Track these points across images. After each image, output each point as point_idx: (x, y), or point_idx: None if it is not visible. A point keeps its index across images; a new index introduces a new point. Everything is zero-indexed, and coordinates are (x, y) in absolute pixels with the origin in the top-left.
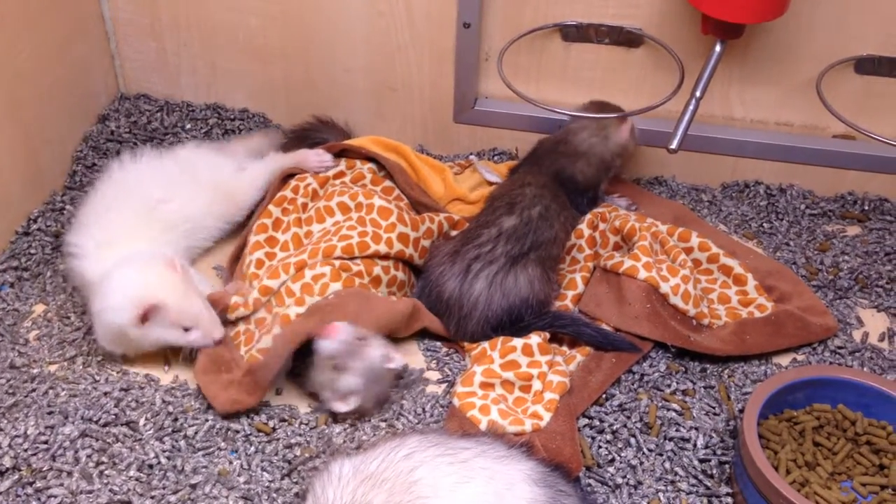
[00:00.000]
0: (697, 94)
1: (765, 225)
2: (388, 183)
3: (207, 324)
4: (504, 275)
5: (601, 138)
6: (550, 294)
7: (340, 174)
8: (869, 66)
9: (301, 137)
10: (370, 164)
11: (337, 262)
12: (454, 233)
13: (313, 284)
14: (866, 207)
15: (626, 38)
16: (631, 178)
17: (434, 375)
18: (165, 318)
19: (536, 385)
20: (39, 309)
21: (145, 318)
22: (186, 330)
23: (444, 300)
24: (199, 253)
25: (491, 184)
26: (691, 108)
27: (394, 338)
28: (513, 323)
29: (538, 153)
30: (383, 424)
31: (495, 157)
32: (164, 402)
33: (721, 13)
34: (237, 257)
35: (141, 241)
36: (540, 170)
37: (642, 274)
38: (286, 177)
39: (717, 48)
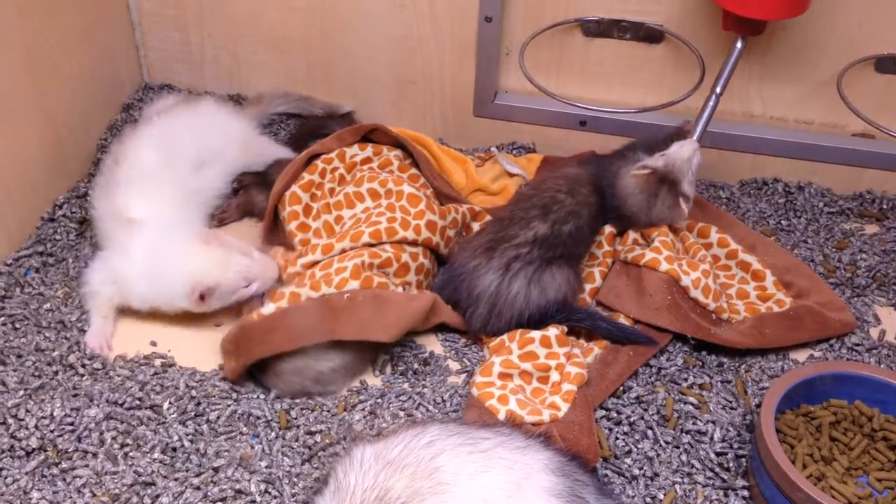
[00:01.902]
0: (718, 90)
1: (783, 222)
2: (414, 171)
3: (261, 271)
4: (541, 274)
5: (649, 206)
6: (579, 292)
7: (367, 160)
8: (889, 64)
9: (311, 130)
10: (397, 152)
11: (366, 252)
12: (475, 224)
13: (333, 277)
14: (885, 206)
15: (647, 34)
16: None
17: (454, 366)
18: (222, 291)
19: (554, 376)
20: (63, 294)
21: (203, 298)
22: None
23: (476, 294)
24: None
25: (512, 175)
26: (711, 104)
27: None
28: (541, 320)
29: (601, 171)
30: (402, 413)
31: (514, 151)
32: (187, 386)
33: (743, 9)
34: (269, 229)
35: (172, 206)
36: (594, 184)
37: (664, 266)
38: (310, 158)
39: (738, 45)
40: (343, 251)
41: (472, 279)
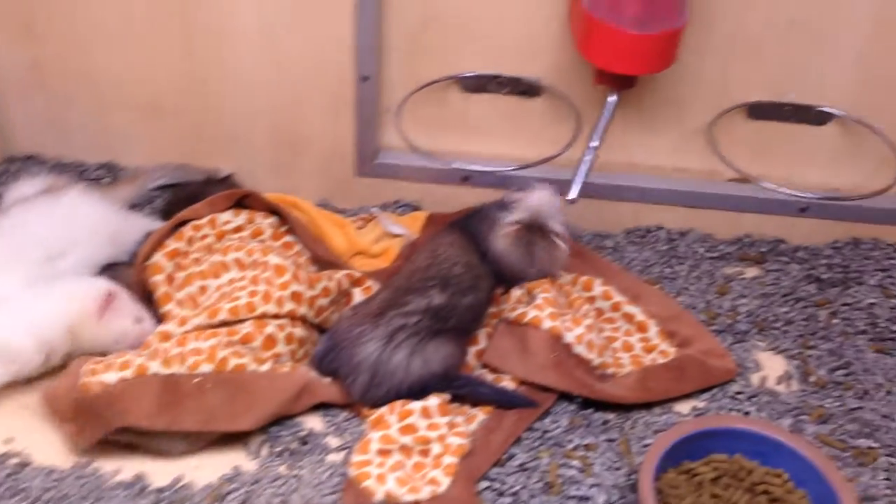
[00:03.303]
0: (593, 143)
1: (666, 270)
2: (288, 238)
3: (148, 314)
4: (425, 346)
5: (531, 258)
6: (462, 365)
7: (239, 228)
8: (761, 111)
9: (188, 197)
10: (272, 219)
11: (222, 332)
12: (356, 290)
13: (188, 356)
14: (763, 249)
15: (525, 89)
16: None
17: (334, 442)
18: (122, 307)
19: (436, 448)
20: None
21: (106, 304)
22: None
23: (356, 362)
24: None
25: (395, 236)
26: (588, 158)
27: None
28: (422, 392)
29: (476, 238)
30: (278, 500)
31: (399, 210)
32: (43, 488)
33: (610, 66)
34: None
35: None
36: (478, 251)
37: (547, 323)
38: (177, 224)
39: (611, 98)
40: (198, 327)
41: (354, 347)
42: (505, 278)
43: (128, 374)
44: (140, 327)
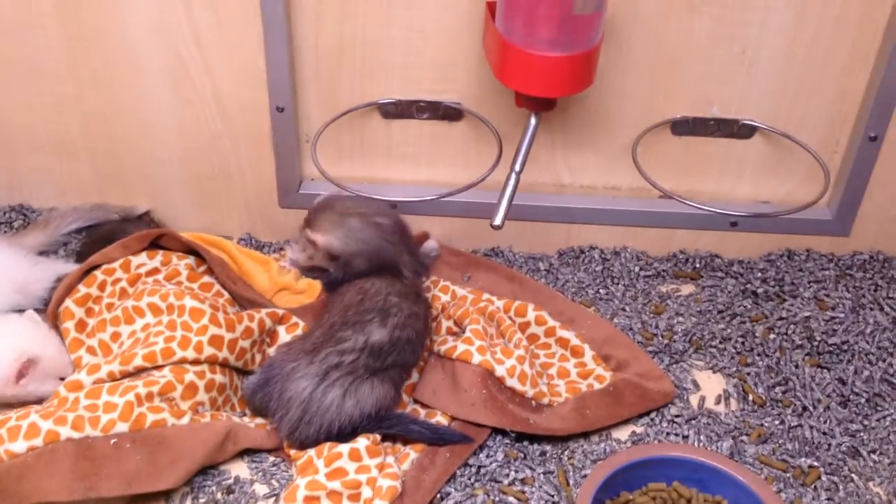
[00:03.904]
0: (516, 167)
1: (601, 291)
2: (206, 279)
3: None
4: (359, 385)
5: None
6: (395, 406)
7: (154, 271)
8: (684, 127)
9: (105, 237)
10: (188, 260)
11: (140, 383)
12: (281, 328)
13: (101, 416)
14: (697, 265)
15: (446, 113)
16: (468, 249)
17: (261, 489)
18: (41, 371)
19: (366, 492)
20: None
21: (21, 374)
22: (62, 379)
23: (287, 398)
24: None
25: None
26: (512, 182)
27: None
28: (353, 433)
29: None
30: None
31: None
32: None
33: (526, 89)
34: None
35: None
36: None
37: (476, 358)
38: (88, 268)
39: (532, 121)
40: (111, 374)
41: (286, 382)
42: (397, 265)
43: (37, 441)
44: (51, 387)
